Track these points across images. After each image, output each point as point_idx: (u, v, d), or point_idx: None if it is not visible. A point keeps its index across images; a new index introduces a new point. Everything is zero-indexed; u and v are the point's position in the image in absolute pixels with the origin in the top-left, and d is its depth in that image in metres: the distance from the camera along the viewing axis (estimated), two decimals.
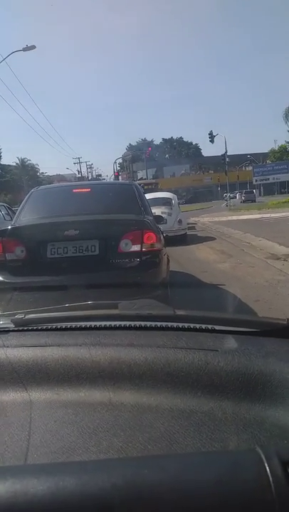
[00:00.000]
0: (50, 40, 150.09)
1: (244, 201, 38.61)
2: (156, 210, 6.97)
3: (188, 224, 12.01)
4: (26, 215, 3.72)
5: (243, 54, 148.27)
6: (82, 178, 51.25)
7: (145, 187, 9.14)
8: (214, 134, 30.74)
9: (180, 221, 10.57)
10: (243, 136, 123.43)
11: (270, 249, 7.84)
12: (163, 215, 6.12)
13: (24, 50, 17.99)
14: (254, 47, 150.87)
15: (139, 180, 34.86)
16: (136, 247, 3.23)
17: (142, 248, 3.23)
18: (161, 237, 3.57)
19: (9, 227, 3.63)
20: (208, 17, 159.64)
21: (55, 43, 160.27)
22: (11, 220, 6.85)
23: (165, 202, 10.79)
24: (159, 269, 3.34)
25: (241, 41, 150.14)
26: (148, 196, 4.40)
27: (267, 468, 0.43)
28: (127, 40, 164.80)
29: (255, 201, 38.26)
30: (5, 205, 11.50)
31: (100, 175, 67.75)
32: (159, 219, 4.37)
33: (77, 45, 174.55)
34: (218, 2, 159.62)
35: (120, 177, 44.17)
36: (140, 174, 56.19)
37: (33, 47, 18.18)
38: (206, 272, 6.04)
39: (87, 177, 58.44)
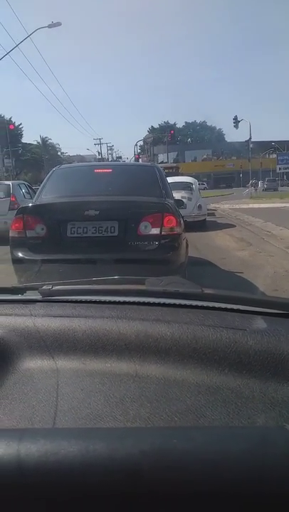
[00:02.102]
0: (75, 17, 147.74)
1: (266, 189, 37.84)
2: (176, 195, 6.88)
3: (208, 210, 11.85)
4: (48, 194, 3.72)
5: (271, 39, 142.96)
6: (102, 160, 51.11)
7: (166, 170, 8.99)
8: (239, 120, 29.97)
9: (200, 207, 10.45)
10: (269, 122, 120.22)
11: None
12: (183, 200, 6.05)
13: (49, 26, 17.76)
14: (284, 34, 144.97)
15: (159, 163, 34.49)
16: (155, 230, 3.20)
17: (161, 231, 3.20)
18: (182, 221, 3.52)
19: (30, 204, 3.65)
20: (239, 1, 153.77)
21: (80, 21, 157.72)
22: (31, 198, 6.92)
23: (185, 186, 10.66)
24: (178, 253, 3.32)
25: (273, 24, 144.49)
26: (168, 180, 4.34)
27: None
28: (153, 19, 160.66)
29: (277, 190, 37.47)
30: (25, 183, 11.57)
31: (121, 157, 67.41)
32: (179, 203, 4.31)
33: (103, 24, 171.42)
34: None
35: (141, 160, 43.87)
36: (161, 157, 55.60)
37: (58, 23, 17.93)
38: (225, 259, 5.98)
39: (108, 158, 58.25)
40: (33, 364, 0.76)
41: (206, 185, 50.94)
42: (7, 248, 3.40)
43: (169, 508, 0.43)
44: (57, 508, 0.43)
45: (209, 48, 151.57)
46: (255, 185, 33.46)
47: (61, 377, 0.71)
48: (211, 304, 0.89)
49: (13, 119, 51.68)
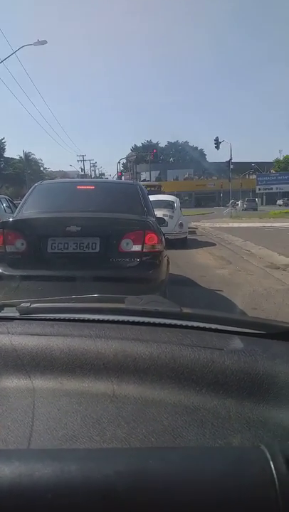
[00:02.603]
0: (59, 37, 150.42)
1: (246, 209, 38.67)
2: (158, 212, 6.96)
3: (189, 228, 12.00)
4: (29, 209, 3.70)
5: (251, 63, 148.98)
6: (85, 176, 51.29)
7: (148, 189, 9.11)
8: (220, 141, 30.79)
9: (181, 225, 10.57)
10: (249, 144, 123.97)
11: (270, 259, 7.85)
12: (164, 218, 6.11)
13: (35, 44, 17.99)
14: (264, 56, 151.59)
15: (142, 181, 34.89)
16: (137, 247, 3.22)
17: (142, 249, 3.22)
18: (163, 238, 3.56)
19: (11, 219, 3.62)
20: (220, 25, 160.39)
21: (63, 40, 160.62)
22: (12, 213, 6.85)
23: (167, 204, 10.79)
24: (159, 270, 3.33)
25: (251, 50, 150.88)
26: (150, 198, 4.39)
27: (271, 465, 0.43)
28: (136, 41, 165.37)
29: (257, 209, 38.35)
30: (7, 197, 11.48)
31: (104, 174, 67.95)
32: (160, 221, 4.36)
33: (86, 45, 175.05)
34: (232, 11, 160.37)
35: (123, 177, 44.23)
36: (143, 176, 56.23)
37: (44, 42, 18.18)
38: (205, 277, 6.04)
39: (91, 175, 58.49)
40: (9, 383, 0.74)
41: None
42: None
43: None
44: None
45: (192, 70, 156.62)
46: (235, 204, 34.17)
47: (37, 397, 0.70)
48: (189, 323, 0.89)
49: None
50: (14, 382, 0.74)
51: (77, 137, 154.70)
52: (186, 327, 0.88)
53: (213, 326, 0.87)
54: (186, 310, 0.97)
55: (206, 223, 20.13)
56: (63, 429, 0.62)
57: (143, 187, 4.36)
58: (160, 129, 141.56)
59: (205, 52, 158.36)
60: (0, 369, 0.76)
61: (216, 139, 30.72)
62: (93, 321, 0.93)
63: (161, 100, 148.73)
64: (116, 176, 42.47)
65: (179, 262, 7.02)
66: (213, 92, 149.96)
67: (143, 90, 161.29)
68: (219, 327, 0.87)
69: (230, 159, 31.43)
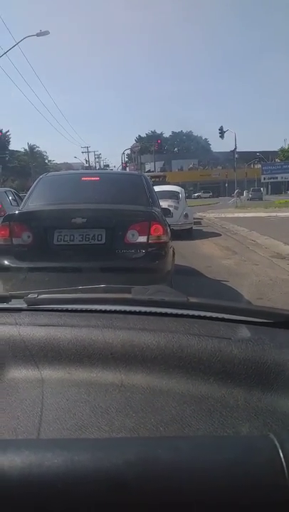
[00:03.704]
0: (63, 26, 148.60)
1: (251, 199, 38.35)
2: (163, 203, 6.95)
3: (194, 219, 11.95)
4: (34, 201, 3.71)
5: (256, 51, 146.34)
6: (89, 168, 51.08)
7: (153, 179, 9.04)
8: (224, 130, 30.46)
9: (186, 215, 10.52)
10: (254, 133, 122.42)
11: (275, 248, 7.81)
12: (170, 208, 6.08)
13: (38, 35, 17.82)
14: (268, 44, 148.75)
15: (146, 172, 34.72)
16: (142, 239, 3.22)
17: (148, 240, 3.22)
18: (168, 229, 3.55)
19: (16, 212, 3.63)
20: (223, 13, 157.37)
21: (68, 29, 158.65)
22: (18, 205, 6.87)
23: (172, 195, 10.72)
24: (165, 261, 3.34)
25: (255, 38, 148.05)
26: (155, 189, 4.38)
27: (281, 453, 0.43)
28: (139, 31, 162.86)
29: (262, 199, 38.02)
30: (12, 190, 11.50)
31: (108, 165, 67.58)
32: (165, 212, 4.35)
33: (91, 34, 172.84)
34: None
35: (128, 168, 43.96)
36: (148, 166, 55.86)
37: (46, 32, 18.00)
38: (210, 267, 6.03)
39: (95, 167, 58.26)
40: (18, 374, 0.75)
41: (211, 193, 51.85)
42: None
43: None
44: None
45: (197, 59, 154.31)
46: (240, 194, 33.89)
47: (46, 387, 0.71)
48: (196, 313, 0.89)
49: (0, 127, 51.38)
50: (23, 373, 0.75)
51: (82, 129, 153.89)
52: (193, 316, 0.88)
53: (220, 316, 0.87)
54: (192, 300, 0.97)
55: (211, 214, 20.02)
56: (72, 419, 0.62)
57: (148, 178, 4.34)
58: (164, 119, 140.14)
59: (209, 40, 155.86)
60: (8, 360, 0.77)
61: (221, 128, 30.40)
62: (100, 311, 0.94)
63: (165, 90, 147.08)
64: (120, 167, 42.29)
65: (184, 253, 7.01)
66: (218, 81, 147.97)
67: (147, 80, 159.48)
68: (226, 316, 0.87)
69: (235, 148, 31.14)
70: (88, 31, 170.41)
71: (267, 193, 46.65)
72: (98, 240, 3.21)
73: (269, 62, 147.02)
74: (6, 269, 3.17)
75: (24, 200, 3.89)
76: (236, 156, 32.18)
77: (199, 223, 14.13)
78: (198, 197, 50.91)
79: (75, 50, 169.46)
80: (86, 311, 0.94)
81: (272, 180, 47.68)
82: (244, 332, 0.79)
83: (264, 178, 47.00)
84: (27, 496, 0.42)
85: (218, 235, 11.08)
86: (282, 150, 56.16)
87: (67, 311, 0.95)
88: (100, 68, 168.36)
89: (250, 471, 0.43)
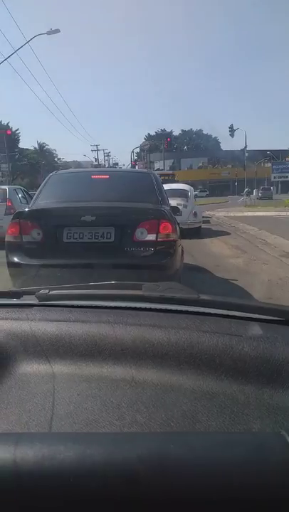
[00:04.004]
0: (74, 25, 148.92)
1: (261, 197, 38.08)
2: (172, 202, 6.93)
3: (203, 217, 11.90)
4: (44, 199, 3.73)
5: (266, 48, 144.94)
6: (99, 166, 51.18)
7: (162, 178, 9.02)
8: (235, 128, 30.29)
9: (195, 214, 10.48)
10: (264, 132, 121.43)
11: (285, 248, 7.74)
12: (179, 207, 6.07)
13: (48, 33, 17.83)
14: (279, 41, 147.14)
15: (156, 170, 34.67)
16: (151, 237, 3.22)
17: (157, 238, 3.22)
18: (177, 227, 3.54)
19: (26, 209, 3.65)
20: (235, 8, 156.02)
21: (78, 28, 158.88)
22: (28, 203, 6.91)
23: (181, 193, 10.69)
24: (174, 259, 3.33)
25: (265, 35, 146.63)
26: (164, 187, 4.37)
27: None
28: (151, 28, 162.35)
29: (272, 198, 37.72)
30: (22, 188, 11.56)
31: (117, 163, 67.74)
32: (174, 210, 4.33)
33: (102, 32, 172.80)
34: None
35: (137, 166, 43.98)
36: (157, 165, 55.76)
37: (57, 31, 18.02)
38: (219, 266, 6.00)
39: (104, 165, 58.36)
40: (30, 368, 0.75)
41: (207, 192, 51.31)
42: (3, 252, 3.40)
43: None
44: None
45: (207, 57, 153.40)
46: (249, 193, 33.66)
47: (57, 382, 0.71)
48: (207, 310, 0.89)
49: (10, 124, 51.72)
50: (34, 368, 0.75)
51: (91, 127, 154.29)
52: (204, 314, 0.87)
53: (231, 313, 0.86)
54: (203, 297, 0.96)
55: (221, 212, 19.90)
56: (83, 413, 0.63)
57: (157, 176, 4.33)
58: (174, 117, 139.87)
59: (218, 38, 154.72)
60: (20, 355, 0.78)
61: (231, 127, 30.23)
62: (111, 307, 0.94)
63: (175, 88, 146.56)
64: (130, 166, 42.33)
65: (193, 252, 6.99)
66: (229, 79, 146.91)
67: (157, 78, 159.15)
68: (237, 314, 0.86)
69: (245, 147, 30.93)
70: (98, 28, 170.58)
71: (277, 192, 46.23)
72: (107, 238, 3.22)
73: (280, 60, 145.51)
74: (17, 265, 3.20)
75: (34, 198, 3.92)
76: (246, 154, 31.97)
77: (208, 222, 14.08)
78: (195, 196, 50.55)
79: (85, 48, 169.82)
80: (97, 307, 0.95)
81: (282, 179, 47.26)
82: (255, 329, 0.79)
83: (274, 177, 46.61)
84: (39, 488, 0.42)
85: (228, 233, 11.02)
86: None
87: (78, 306, 0.95)
88: (111, 66, 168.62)
89: (262, 468, 0.43)
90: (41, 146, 59.53)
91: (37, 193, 3.96)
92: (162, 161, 54.28)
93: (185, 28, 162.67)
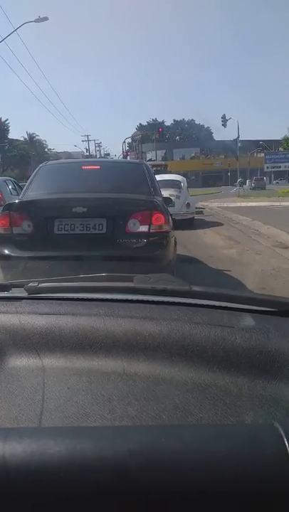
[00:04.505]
0: (63, 13, 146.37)
1: (254, 188, 38.20)
2: (165, 192, 6.91)
3: (196, 208, 11.89)
4: (34, 190, 3.68)
5: (258, 38, 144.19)
6: (90, 156, 50.83)
7: (154, 168, 8.96)
8: (227, 118, 30.18)
9: (188, 205, 10.47)
10: (257, 122, 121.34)
11: (278, 238, 7.78)
12: (171, 198, 6.04)
13: (36, 21, 17.53)
14: (271, 30, 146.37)
15: (148, 161, 34.48)
16: (144, 228, 3.19)
17: (149, 229, 3.19)
18: (170, 218, 3.52)
19: (16, 201, 3.60)
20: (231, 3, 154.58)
21: (68, 16, 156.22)
22: (18, 195, 6.83)
23: (174, 184, 10.66)
24: (166, 250, 3.31)
25: (259, 24, 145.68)
26: (157, 178, 4.33)
27: (286, 442, 0.42)
28: (141, 18, 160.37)
29: (265, 188, 37.87)
30: (12, 179, 11.44)
31: (109, 154, 67.28)
32: (167, 201, 4.30)
33: (92, 20, 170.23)
34: None
35: (129, 157, 43.72)
36: (149, 155, 55.53)
37: (45, 18, 17.72)
38: (213, 257, 6.01)
39: (96, 155, 57.95)
40: (19, 362, 0.74)
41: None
42: None
43: (158, 508, 0.42)
44: (43, 508, 0.42)
45: (199, 46, 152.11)
46: (242, 184, 33.73)
47: (47, 376, 0.70)
48: (199, 302, 0.88)
49: None
50: (24, 361, 0.74)
51: (82, 117, 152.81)
52: (196, 305, 0.87)
53: (224, 304, 0.86)
54: (195, 288, 0.95)
55: (214, 203, 19.94)
56: (74, 407, 0.62)
57: (149, 166, 4.29)
58: (166, 107, 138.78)
59: (211, 27, 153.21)
60: (9, 348, 0.76)
61: (223, 117, 30.14)
62: (102, 300, 0.93)
63: (167, 77, 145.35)
64: (121, 156, 42.07)
65: (186, 243, 6.99)
66: (221, 69, 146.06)
67: (148, 68, 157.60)
68: (230, 305, 0.86)
69: (238, 137, 30.87)
70: (88, 17, 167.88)
71: (270, 182, 46.43)
72: (99, 230, 3.18)
73: (272, 50, 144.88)
74: (6, 258, 3.16)
75: (24, 189, 3.87)
76: (239, 144, 31.93)
77: (201, 213, 14.09)
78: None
79: (75, 37, 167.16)
80: (88, 299, 0.93)
81: (275, 169, 47.43)
82: (248, 321, 0.78)
83: (267, 167, 46.76)
84: (28, 484, 0.41)
85: (221, 224, 11.04)
86: (285, 139, 55.65)
87: (68, 299, 0.94)
88: (100, 55, 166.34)
89: (255, 460, 0.42)
90: (31, 136, 58.93)
91: (27, 184, 3.90)
92: (154, 152, 54.09)
93: (176, 17, 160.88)
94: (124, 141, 49.22)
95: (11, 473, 0.41)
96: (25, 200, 3.55)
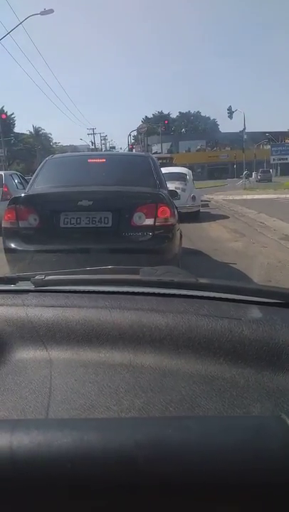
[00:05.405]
0: (68, 4, 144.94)
1: (260, 180, 37.83)
2: (170, 185, 6.87)
3: (201, 201, 11.83)
4: (40, 184, 3.69)
5: (264, 28, 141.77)
6: (95, 150, 50.63)
7: (160, 161, 8.91)
8: (233, 110, 29.85)
9: (194, 197, 10.41)
10: (263, 113, 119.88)
11: (284, 230, 7.72)
12: (177, 190, 6.02)
13: (42, 14, 17.39)
14: (276, 20, 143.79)
15: (153, 154, 34.27)
16: (149, 221, 3.19)
17: (155, 222, 3.19)
18: (176, 211, 3.51)
19: (23, 194, 3.61)
20: None
21: (73, 8, 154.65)
22: (24, 188, 6.85)
23: (179, 177, 10.60)
24: (172, 243, 3.31)
25: (265, 14, 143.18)
26: (162, 171, 4.31)
27: None
28: (146, 9, 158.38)
29: (271, 181, 37.49)
30: (18, 173, 11.45)
31: (114, 147, 66.89)
32: (173, 194, 4.29)
33: (96, 12, 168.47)
34: None
35: (134, 150, 43.45)
36: (155, 148, 55.12)
37: (50, 11, 17.56)
38: (218, 250, 5.99)
39: (101, 149, 57.72)
40: (26, 354, 0.75)
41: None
42: (0, 239, 3.38)
43: (164, 499, 0.42)
44: (50, 499, 0.42)
45: (204, 37, 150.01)
46: (248, 176, 33.44)
47: (54, 368, 0.71)
48: (205, 294, 0.88)
49: (5, 109, 50.84)
50: (31, 354, 0.75)
51: (88, 110, 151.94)
52: (203, 297, 0.87)
53: (230, 296, 0.86)
54: (202, 280, 0.95)
55: (219, 196, 19.81)
56: (81, 399, 0.62)
57: (155, 159, 4.27)
58: (172, 99, 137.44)
59: (216, 16, 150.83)
60: (17, 341, 0.77)
61: (229, 108, 29.82)
62: (108, 292, 0.93)
63: (172, 69, 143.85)
64: (127, 149, 41.88)
65: (191, 236, 6.97)
66: (227, 60, 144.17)
67: (153, 60, 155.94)
68: (236, 297, 0.85)
69: (244, 129, 30.55)
70: (93, 9, 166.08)
71: (276, 175, 45.95)
72: (105, 223, 3.19)
73: (279, 40, 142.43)
74: (13, 251, 3.18)
75: (30, 183, 3.88)
76: (245, 136, 31.60)
77: (207, 205, 14.00)
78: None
79: (80, 29, 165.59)
80: (94, 292, 0.94)
81: (281, 161, 46.86)
82: (255, 312, 0.78)
83: (273, 159, 46.19)
84: (36, 475, 0.41)
85: (226, 217, 10.98)
86: None
87: (74, 292, 0.94)
88: (106, 48, 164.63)
89: (262, 452, 0.42)
90: (37, 130, 58.79)
91: (33, 178, 3.91)
92: (160, 144, 53.70)
93: (182, 7, 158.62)
94: (130, 134, 48.99)
95: (19, 464, 0.41)
96: (31, 193, 3.56)
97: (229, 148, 57.67)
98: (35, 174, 3.93)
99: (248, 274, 4.37)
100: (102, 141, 63.17)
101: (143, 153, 8.16)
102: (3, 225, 3.35)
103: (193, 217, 9.87)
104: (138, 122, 72.92)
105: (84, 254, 2.97)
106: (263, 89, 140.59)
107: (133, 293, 0.91)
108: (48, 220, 3.23)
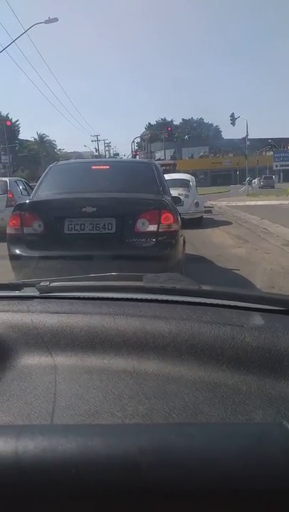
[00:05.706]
0: (72, 13, 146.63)
1: (263, 186, 37.85)
2: (174, 192, 6.89)
3: (204, 207, 11.85)
4: (45, 190, 3.72)
5: (267, 36, 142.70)
6: (99, 156, 50.89)
7: (163, 167, 8.95)
8: (236, 117, 29.98)
9: (197, 204, 10.43)
10: (266, 120, 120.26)
11: (287, 236, 7.71)
12: (180, 197, 6.04)
13: (46, 22, 17.61)
14: (279, 28, 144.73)
15: (156, 160, 34.37)
16: (153, 227, 3.21)
17: (158, 228, 3.20)
18: (179, 218, 3.53)
19: (27, 201, 3.64)
20: None
21: (77, 16, 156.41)
22: (28, 195, 6.89)
23: (183, 183, 10.63)
24: (175, 250, 3.32)
25: (267, 22, 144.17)
26: (165, 177, 4.34)
27: None
28: (149, 16, 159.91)
29: (274, 187, 37.51)
30: (22, 180, 11.52)
31: (118, 154, 67.29)
32: (176, 200, 4.31)
33: (100, 20, 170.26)
34: None
35: (138, 157, 43.63)
36: (158, 155, 55.32)
37: (55, 19, 17.77)
38: (221, 256, 5.99)
39: (105, 155, 58.02)
40: (31, 360, 0.75)
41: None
42: (4, 245, 3.40)
43: (167, 505, 0.43)
44: (54, 505, 0.43)
45: (207, 44, 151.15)
46: (251, 182, 33.48)
47: (59, 374, 0.71)
48: (208, 301, 0.88)
49: (9, 116, 51.30)
50: (36, 360, 0.75)
51: (91, 117, 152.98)
52: (206, 304, 0.87)
53: (233, 303, 0.86)
54: (205, 287, 0.95)
55: (222, 202, 19.82)
56: (85, 405, 0.63)
57: (158, 165, 4.30)
58: (175, 106, 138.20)
59: (219, 23, 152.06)
60: (22, 347, 0.77)
61: (232, 115, 29.93)
62: (112, 299, 0.93)
63: (175, 76, 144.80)
64: (130, 156, 42.06)
65: (194, 242, 6.97)
66: (229, 67, 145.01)
67: (157, 67, 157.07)
68: (239, 304, 0.86)
69: (247, 135, 30.64)
70: (96, 16, 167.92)
71: (279, 181, 45.98)
72: (108, 229, 3.21)
73: (282, 46, 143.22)
74: (18, 257, 3.20)
75: (34, 190, 3.91)
76: (248, 143, 31.68)
77: (210, 212, 14.02)
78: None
79: (84, 37, 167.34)
80: (98, 298, 0.94)
81: (284, 167, 46.88)
82: (257, 319, 0.78)
83: (276, 166, 46.24)
84: (41, 481, 0.42)
85: (229, 223, 10.98)
86: None
87: (79, 298, 0.95)
88: (109, 55, 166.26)
89: (264, 458, 0.43)
90: (41, 137, 59.20)
91: (37, 184, 3.94)
92: (163, 151, 53.87)
93: (186, 15, 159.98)
94: (134, 141, 49.13)
95: (24, 469, 0.42)
96: (35, 200, 3.59)
97: (232, 155, 57.83)
98: (39, 181, 3.96)
99: (251, 281, 4.37)
100: (106, 148, 63.58)
101: (146, 160, 8.20)
102: (8, 232, 3.37)
103: (197, 223, 9.88)
104: (141, 129, 73.45)
105: (88, 260, 2.99)
106: (265, 96, 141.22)
107: (136, 299, 0.92)
108: (53, 227, 3.26)
